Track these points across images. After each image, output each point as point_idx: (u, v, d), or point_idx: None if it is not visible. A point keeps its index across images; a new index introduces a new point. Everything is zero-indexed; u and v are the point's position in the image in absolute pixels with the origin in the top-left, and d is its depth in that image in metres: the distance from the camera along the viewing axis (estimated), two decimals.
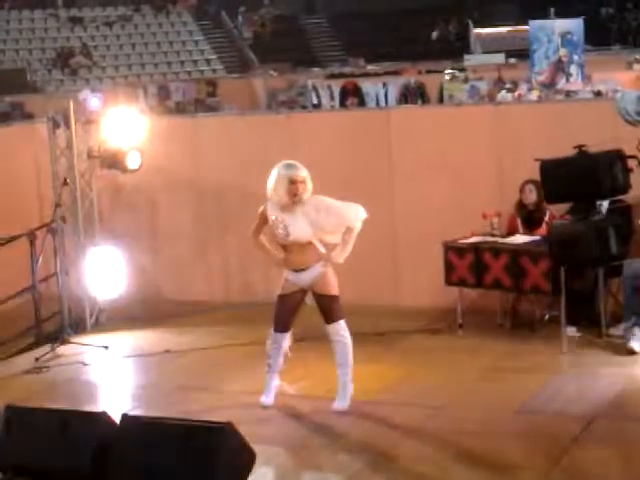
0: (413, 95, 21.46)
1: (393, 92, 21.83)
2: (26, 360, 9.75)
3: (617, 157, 8.58)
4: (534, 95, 17.67)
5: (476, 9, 36.15)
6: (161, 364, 9.54)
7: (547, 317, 9.79)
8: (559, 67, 18.29)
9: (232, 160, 11.28)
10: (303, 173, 7.77)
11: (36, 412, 6.45)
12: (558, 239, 8.89)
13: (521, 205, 10.01)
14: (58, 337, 10.18)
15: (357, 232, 7.87)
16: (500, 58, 25.65)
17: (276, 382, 8.19)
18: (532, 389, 8.22)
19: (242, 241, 10.13)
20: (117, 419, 6.10)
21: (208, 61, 33.60)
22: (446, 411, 7.91)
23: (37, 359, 9.72)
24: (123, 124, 10.54)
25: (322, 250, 7.92)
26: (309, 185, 7.80)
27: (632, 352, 8.85)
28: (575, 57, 18.32)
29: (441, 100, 20.52)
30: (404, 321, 10.16)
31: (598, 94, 17.00)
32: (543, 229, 9.71)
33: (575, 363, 8.83)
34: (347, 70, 27.61)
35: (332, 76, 25.40)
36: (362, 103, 21.37)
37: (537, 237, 9.63)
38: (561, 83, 18.19)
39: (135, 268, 11.36)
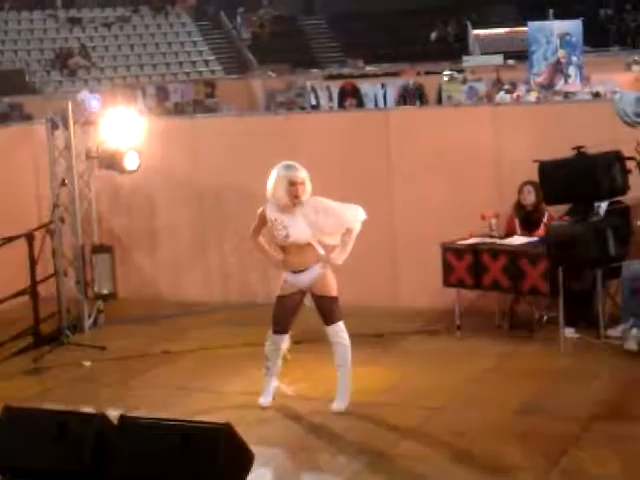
0: (412, 96, 21.48)
1: (392, 93, 21.87)
2: (24, 361, 9.74)
3: (616, 158, 8.59)
4: (533, 96, 17.69)
5: (475, 10, 36.17)
6: (159, 365, 9.53)
7: (545, 318, 9.79)
8: (558, 68, 18.30)
9: (230, 161, 11.27)
10: (303, 174, 7.77)
11: (35, 413, 6.45)
12: (556, 240, 8.90)
13: (519, 206, 10.01)
14: (57, 338, 10.18)
15: (356, 233, 7.87)
16: (499, 59, 25.69)
17: (275, 383, 8.19)
18: (531, 390, 8.22)
19: (241, 242, 10.16)
20: (115, 420, 6.10)
21: (206, 62, 33.62)
22: (445, 412, 7.91)
23: (35, 360, 9.71)
24: (121, 125, 10.54)
25: (321, 251, 7.91)
26: (308, 186, 7.79)
27: (630, 353, 8.85)
28: (574, 58, 18.34)
29: (439, 101, 20.55)
30: (402, 322, 10.16)
31: (597, 95, 17.02)
32: (541, 230, 9.71)
33: (573, 364, 8.82)
34: (346, 71, 27.65)
35: (331, 77, 25.43)
36: (361, 104, 21.40)
37: (535, 238, 9.62)
38: (560, 84, 18.20)
39: (133, 269, 11.36)
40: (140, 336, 10.46)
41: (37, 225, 10.67)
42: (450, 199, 10.45)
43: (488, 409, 7.87)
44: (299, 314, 8.10)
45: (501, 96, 18.68)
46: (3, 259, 10.42)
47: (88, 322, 10.82)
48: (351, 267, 8.05)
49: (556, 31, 18.40)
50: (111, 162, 10.50)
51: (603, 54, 27.64)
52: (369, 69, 27.75)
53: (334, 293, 7.91)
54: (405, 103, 21.04)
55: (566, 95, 17.42)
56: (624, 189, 8.66)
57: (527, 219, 9.97)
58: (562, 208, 9.43)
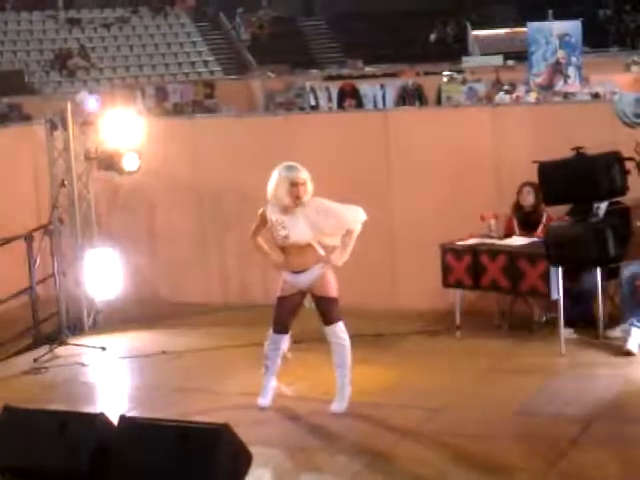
0: (411, 97, 21.49)
1: (391, 94, 21.87)
2: (24, 361, 9.74)
3: (615, 159, 8.59)
4: (532, 97, 17.69)
5: (474, 11, 36.21)
6: (159, 365, 9.53)
7: (544, 319, 9.79)
8: (557, 69, 18.29)
9: (230, 162, 11.27)
10: (304, 175, 7.77)
11: (34, 413, 6.45)
12: (555, 241, 8.89)
13: (518, 207, 10.01)
14: (56, 338, 10.18)
15: (356, 234, 7.87)
16: (498, 60, 25.69)
17: (274, 384, 8.19)
18: (530, 391, 8.22)
19: (240, 242, 10.15)
20: (115, 420, 6.10)
21: (206, 63, 33.62)
22: (444, 413, 7.91)
23: (35, 360, 9.71)
24: (121, 126, 10.53)
25: (321, 252, 7.91)
26: (309, 187, 7.79)
27: (629, 354, 8.85)
28: (573, 59, 18.33)
29: (439, 102, 20.55)
30: (402, 323, 10.16)
31: (596, 96, 17.02)
32: (540, 232, 9.71)
33: (573, 365, 8.83)
34: (345, 72, 27.65)
35: (330, 78, 25.43)
36: (360, 105, 21.41)
37: (535, 239, 9.63)
38: (559, 85, 18.20)
39: (133, 269, 11.35)
40: (139, 337, 10.46)
41: (36, 226, 10.66)
42: (449, 200, 10.44)
43: (487, 410, 7.87)
44: (299, 314, 8.10)
45: (500, 97, 18.68)
46: (2, 260, 10.42)
47: (87, 322, 10.82)
48: (351, 268, 8.04)
49: (555, 32, 18.39)
50: (110, 163, 10.50)
51: (602, 55, 27.65)
52: (368, 70, 27.74)
53: (334, 294, 7.91)
54: (404, 104, 21.04)
55: (565, 96, 17.42)
56: (623, 190, 8.66)
57: (526, 220, 9.97)
58: (561, 209, 9.43)
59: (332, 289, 7.91)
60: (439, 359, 9.20)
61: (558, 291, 9.06)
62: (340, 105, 21.58)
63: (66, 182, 10.60)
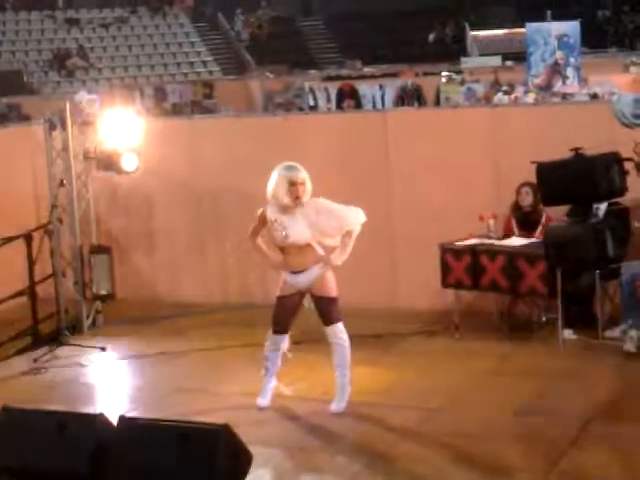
0: (410, 97, 21.49)
1: (390, 94, 21.88)
2: (23, 362, 9.74)
3: (614, 160, 8.59)
4: (530, 97, 17.69)
5: (473, 12, 36.21)
6: (158, 366, 9.53)
7: (544, 319, 9.80)
8: (555, 70, 18.30)
9: (229, 162, 11.27)
10: (303, 175, 7.77)
11: (34, 414, 6.44)
12: (555, 241, 8.90)
13: (516, 207, 10.02)
14: (55, 339, 10.18)
15: (356, 235, 7.87)
16: (497, 60, 25.69)
17: (273, 384, 8.19)
18: (529, 391, 8.22)
19: (239, 243, 10.16)
20: (114, 421, 6.10)
21: (205, 63, 33.61)
22: (443, 413, 7.91)
23: (34, 360, 9.71)
24: (119, 126, 10.54)
25: (321, 252, 7.91)
26: (309, 186, 7.79)
27: (629, 354, 8.85)
28: (571, 60, 18.33)
29: (438, 102, 20.55)
30: (401, 323, 10.17)
31: (594, 97, 17.02)
32: (539, 232, 9.71)
33: (572, 365, 8.82)
34: (344, 72, 27.66)
35: (329, 78, 25.44)
36: (359, 105, 21.41)
37: (534, 239, 9.63)
38: (557, 86, 18.20)
39: (132, 269, 11.36)
40: (138, 337, 10.46)
41: (35, 226, 10.67)
42: (448, 200, 10.45)
43: (487, 410, 7.87)
44: (299, 314, 8.10)
45: (499, 97, 18.69)
46: (1, 260, 10.42)
47: (87, 323, 10.82)
48: (350, 268, 8.05)
49: (554, 32, 18.40)
50: (109, 163, 10.50)
51: (601, 55, 27.65)
52: (367, 70, 27.75)
53: (333, 294, 7.91)
54: (403, 104, 21.04)
55: (564, 96, 17.42)
56: (622, 190, 8.67)
57: (525, 220, 9.97)
58: (560, 209, 9.43)
59: (331, 289, 7.91)
60: (438, 359, 9.20)
61: (557, 292, 9.07)
62: (339, 105, 21.58)
63: (65, 182, 10.60)
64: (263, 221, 7.94)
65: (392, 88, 22.02)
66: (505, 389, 8.32)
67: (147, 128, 10.94)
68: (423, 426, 7.64)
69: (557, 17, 20.72)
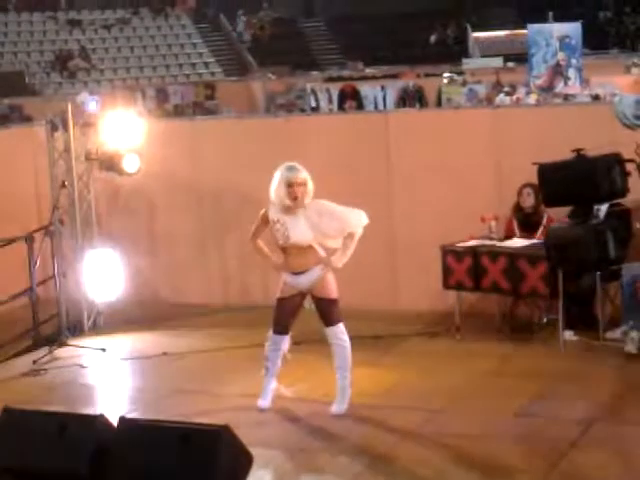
0: (411, 98, 21.48)
1: (391, 95, 21.86)
2: (24, 363, 9.74)
3: (615, 161, 8.58)
4: (532, 99, 17.68)
5: (474, 13, 36.19)
6: (159, 367, 9.54)
7: (545, 321, 9.80)
8: (557, 71, 18.28)
9: (230, 163, 11.28)
10: (302, 175, 7.77)
11: (34, 415, 6.44)
12: (556, 243, 8.89)
13: (518, 208, 10.02)
14: (56, 340, 10.18)
15: (357, 238, 7.87)
16: (498, 62, 25.67)
17: (274, 385, 8.19)
18: (530, 392, 8.22)
19: (241, 244, 10.14)
20: (115, 422, 6.09)
21: (206, 64, 33.61)
22: (444, 414, 7.91)
23: (35, 362, 9.71)
24: (121, 127, 10.54)
25: (322, 253, 7.91)
26: (309, 187, 7.78)
27: (630, 355, 8.85)
28: (573, 61, 18.31)
29: (439, 103, 20.54)
30: (402, 325, 10.16)
31: (596, 98, 17.01)
32: (541, 233, 9.71)
33: (573, 367, 8.82)
34: (346, 73, 27.65)
35: (331, 79, 25.43)
36: (360, 106, 21.39)
37: (535, 240, 9.63)
38: (559, 87, 18.18)
39: (133, 271, 11.36)
40: (139, 338, 10.47)
41: (37, 227, 10.67)
42: (450, 201, 10.45)
43: (488, 411, 7.87)
44: (299, 315, 8.09)
45: (501, 98, 18.68)
46: (3, 261, 10.42)
47: (87, 324, 10.82)
48: (351, 269, 8.05)
49: (556, 34, 18.38)
50: (111, 164, 10.50)
51: (602, 57, 27.63)
52: (369, 71, 27.73)
53: (334, 295, 7.91)
54: (405, 105, 21.03)
55: (566, 97, 17.41)
56: (624, 192, 8.65)
57: (526, 221, 9.97)
58: (562, 210, 9.43)
59: (332, 290, 7.91)
60: (439, 361, 9.19)
61: (558, 293, 9.06)
62: (341, 107, 21.57)
63: (67, 183, 10.60)
64: (265, 221, 7.94)
65: (394, 89, 22.01)
66: (506, 390, 8.32)
67: (149, 129, 10.94)
68: (424, 427, 7.64)
69: (559, 18, 20.71)
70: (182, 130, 12.03)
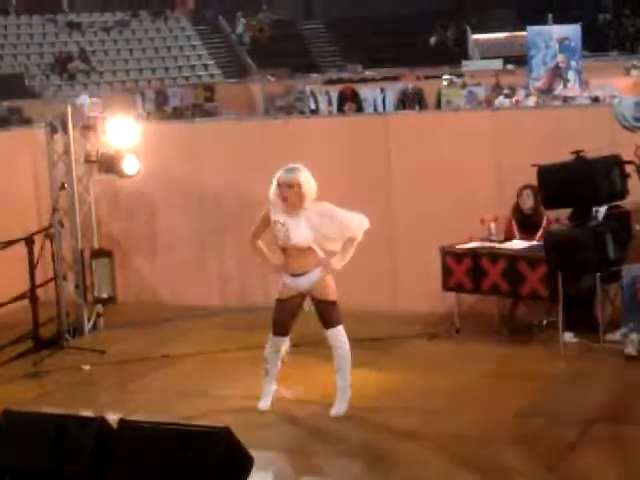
0: (411, 101, 21.50)
1: (391, 97, 21.88)
2: (24, 365, 9.74)
3: (615, 163, 8.57)
4: (532, 101, 17.70)
5: (474, 15, 36.22)
6: (159, 369, 9.53)
7: (545, 322, 9.80)
8: (557, 73, 18.30)
9: (230, 165, 11.28)
10: (294, 177, 7.72)
11: (34, 417, 6.44)
12: (555, 244, 8.89)
13: (517, 210, 10.02)
14: (56, 342, 10.18)
15: (357, 242, 7.86)
16: (498, 64, 25.70)
17: (273, 387, 8.19)
18: (530, 394, 8.22)
19: (240, 246, 10.14)
20: (115, 424, 6.10)
21: (206, 66, 33.63)
22: (444, 416, 7.91)
23: (35, 364, 9.71)
24: (121, 129, 10.55)
25: (322, 255, 7.91)
26: (305, 190, 7.73)
27: (630, 357, 8.85)
28: (573, 63, 18.34)
29: (439, 105, 20.57)
30: (401, 326, 10.16)
31: (595, 100, 17.02)
32: (540, 235, 9.70)
33: (572, 369, 8.83)
34: (345, 76, 27.66)
35: (330, 81, 25.45)
36: (360, 109, 21.41)
37: (535, 242, 9.63)
38: (559, 89, 18.20)
39: (133, 273, 11.36)
40: (139, 340, 10.46)
41: (37, 229, 10.67)
42: (449, 203, 10.45)
43: (487, 413, 7.87)
44: (299, 317, 8.09)
45: (500, 100, 18.69)
46: (3, 263, 10.42)
47: (87, 326, 10.82)
48: (350, 271, 8.05)
49: (555, 36, 18.40)
50: (110, 166, 10.50)
51: (602, 59, 27.67)
52: (368, 73, 27.77)
53: (333, 297, 7.91)
54: (404, 107, 21.05)
55: (565, 100, 17.43)
56: (623, 193, 8.63)
57: (525, 223, 9.98)
58: (562, 212, 9.43)
59: (332, 292, 7.91)
60: (439, 362, 9.20)
61: (558, 295, 9.07)
62: (340, 109, 21.59)
63: (66, 185, 10.60)
64: (266, 222, 7.94)
65: (393, 91, 22.03)
66: (505, 392, 8.32)
67: (148, 131, 10.95)
68: (424, 428, 7.64)
69: (558, 20, 20.75)
70: (181, 132, 12.04)
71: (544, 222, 9.82)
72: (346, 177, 10.67)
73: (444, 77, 22.32)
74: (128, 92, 25.58)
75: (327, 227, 7.78)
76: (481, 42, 33.99)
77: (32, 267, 10.17)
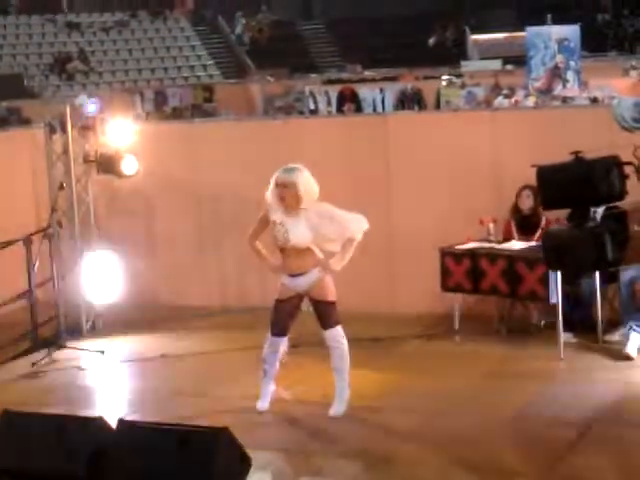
0: (410, 101, 21.49)
1: (390, 98, 21.87)
2: (23, 365, 9.74)
3: (613, 163, 8.57)
4: (531, 101, 17.70)
5: (473, 15, 36.20)
6: (157, 369, 9.53)
7: (543, 323, 9.80)
8: (556, 73, 18.31)
9: (229, 166, 11.28)
10: (290, 178, 7.70)
11: (33, 417, 6.45)
12: (553, 245, 8.89)
13: (516, 210, 10.01)
14: (54, 342, 10.17)
15: (356, 243, 7.86)
16: (497, 64, 25.68)
17: (272, 387, 8.19)
18: (529, 395, 8.22)
19: (239, 246, 10.12)
20: (113, 424, 6.10)
21: (205, 67, 33.61)
22: (443, 416, 7.91)
23: (34, 364, 9.70)
24: (120, 129, 10.55)
25: (320, 256, 7.91)
26: (302, 190, 7.70)
27: (628, 358, 8.85)
28: (572, 63, 18.35)
29: (438, 106, 20.55)
30: (400, 327, 10.16)
31: (594, 100, 17.02)
32: (539, 236, 9.70)
33: (571, 369, 8.83)
34: (344, 76, 27.64)
35: (329, 82, 25.42)
36: (359, 109, 21.41)
37: (533, 243, 9.63)
38: (558, 89, 18.21)
39: (132, 273, 11.35)
40: (138, 340, 10.46)
41: (35, 229, 10.66)
42: (448, 204, 10.45)
43: (486, 413, 7.87)
44: (297, 318, 8.09)
45: (499, 101, 18.69)
46: (1, 263, 10.41)
47: (86, 326, 10.82)
48: (349, 271, 8.05)
49: (554, 36, 18.41)
50: (109, 166, 10.51)
51: (601, 59, 27.65)
52: (367, 74, 27.74)
53: (332, 297, 7.91)
54: (403, 108, 21.04)
55: (564, 100, 17.43)
56: (622, 194, 8.64)
57: (524, 223, 9.97)
58: (562, 212, 9.42)
59: (330, 293, 7.90)
60: (438, 363, 9.19)
61: (557, 295, 9.07)
62: (339, 109, 21.59)
63: (65, 185, 10.60)
64: (265, 222, 7.93)
65: (392, 92, 22.01)
66: (505, 392, 8.32)
67: (147, 131, 10.95)
68: (422, 429, 7.64)
69: (557, 21, 20.72)
70: (180, 132, 12.04)
71: (543, 223, 9.82)
72: (345, 177, 10.67)
73: (443, 77, 22.30)
74: (127, 92, 25.57)
75: (327, 228, 7.78)
76: (480, 42, 33.98)
77: (31, 267, 10.16)
